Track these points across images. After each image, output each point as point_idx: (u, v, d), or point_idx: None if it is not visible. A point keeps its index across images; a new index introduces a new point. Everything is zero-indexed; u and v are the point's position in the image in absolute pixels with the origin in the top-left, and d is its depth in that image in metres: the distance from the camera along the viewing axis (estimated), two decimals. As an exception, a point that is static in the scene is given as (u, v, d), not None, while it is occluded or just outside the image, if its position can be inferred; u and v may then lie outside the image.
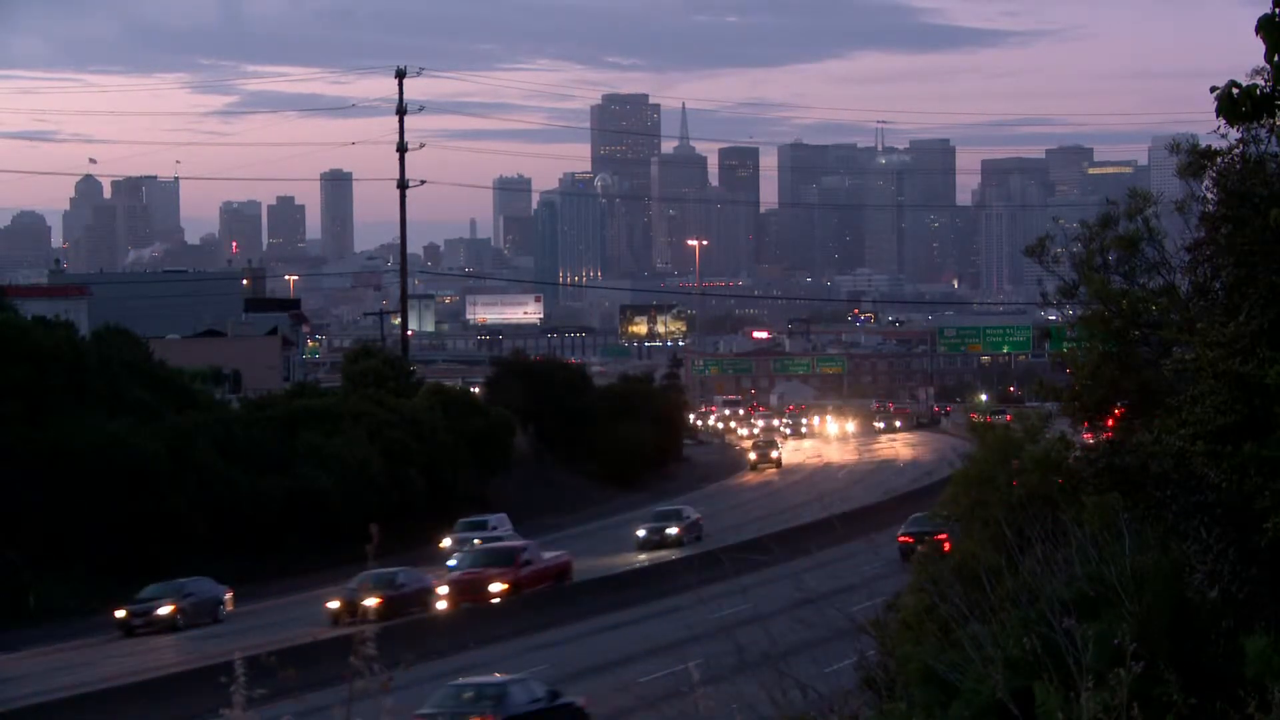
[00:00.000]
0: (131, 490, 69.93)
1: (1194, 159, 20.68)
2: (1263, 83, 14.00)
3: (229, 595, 62.99)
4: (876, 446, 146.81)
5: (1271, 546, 14.87)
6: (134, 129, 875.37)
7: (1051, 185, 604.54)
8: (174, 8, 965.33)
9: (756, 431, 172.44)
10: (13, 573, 65.22)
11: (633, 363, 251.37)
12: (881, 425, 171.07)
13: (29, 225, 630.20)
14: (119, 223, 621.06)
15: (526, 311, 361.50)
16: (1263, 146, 17.06)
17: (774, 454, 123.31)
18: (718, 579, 59.25)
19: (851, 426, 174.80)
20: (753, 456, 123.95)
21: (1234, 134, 16.62)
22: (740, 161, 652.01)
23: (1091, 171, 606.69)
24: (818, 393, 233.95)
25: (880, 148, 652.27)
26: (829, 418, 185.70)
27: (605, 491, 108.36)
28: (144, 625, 59.39)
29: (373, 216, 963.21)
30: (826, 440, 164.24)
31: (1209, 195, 20.14)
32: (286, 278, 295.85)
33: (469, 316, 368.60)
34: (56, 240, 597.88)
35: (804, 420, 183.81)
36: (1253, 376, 15.16)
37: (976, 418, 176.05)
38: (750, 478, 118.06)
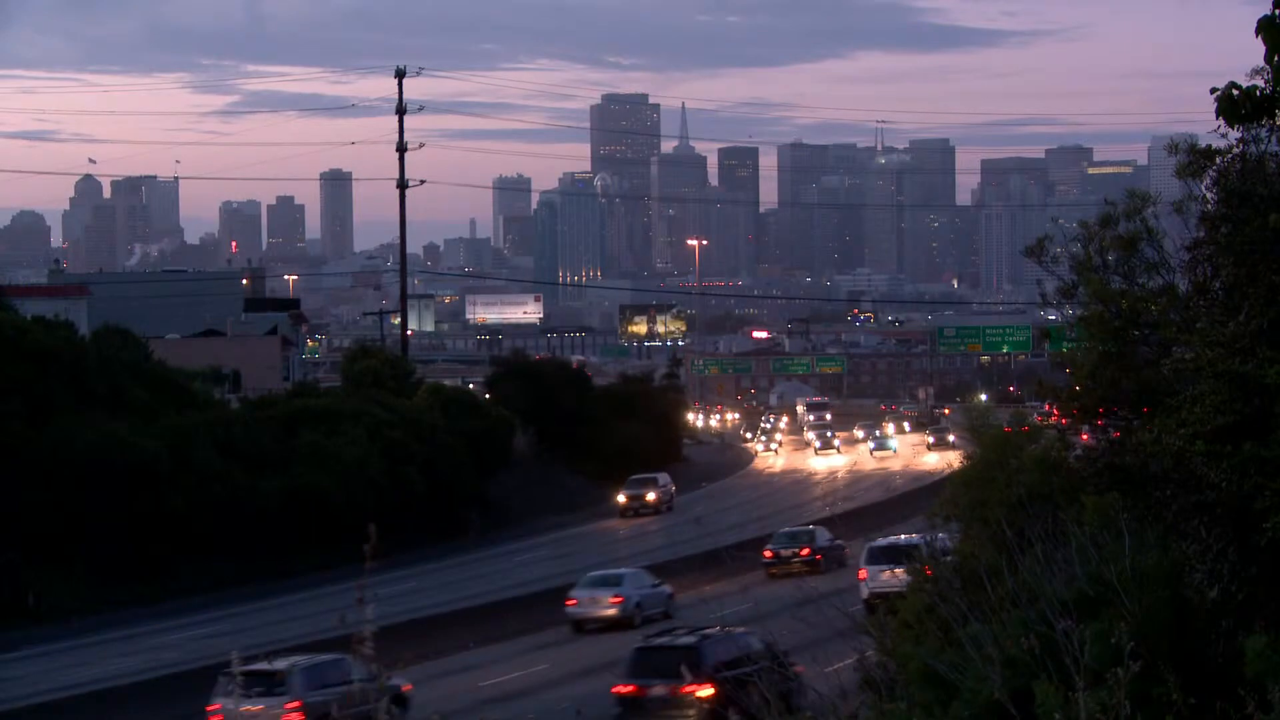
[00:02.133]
0: (131, 490, 69.93)
1: (1194, 159, 20.67)
2: (1262, 84, 14.00)
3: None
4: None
5: (1271, 546, 14.87)
6: (134, 129, 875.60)
7: (1051, 185, 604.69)
8: (176, 7, 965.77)
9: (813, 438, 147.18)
10: (13, 573, 65.22)
11: (632, 362, 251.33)
12: (933, 440, 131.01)
13: (29, 225, 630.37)
14: (119, 222, 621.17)
15: (526, 311, 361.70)
16: (1263, 146, 17.06)
17: (650, 496, 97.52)
18: (718, 578, 59.53)
19: (895, 443, 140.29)
20: (622, 499, 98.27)
21: (1234, 134, 16.62)
22: (740, 161, 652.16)
23: (1091, 171, 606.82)
24: (818, 393, 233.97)
25: (880, 148, 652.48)
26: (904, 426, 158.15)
27: (605, 491, 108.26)
28: None
29: (372, 216, 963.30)
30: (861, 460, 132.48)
31: (1208, 195, 20.14)
32: (286, 277, 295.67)
33: (469, 316, 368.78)
34: (56, 240, 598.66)
35: (879, 431, 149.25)
36: (1253, 376, 15.16)
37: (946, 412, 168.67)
38: (617, 524, 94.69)
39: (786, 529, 69.80)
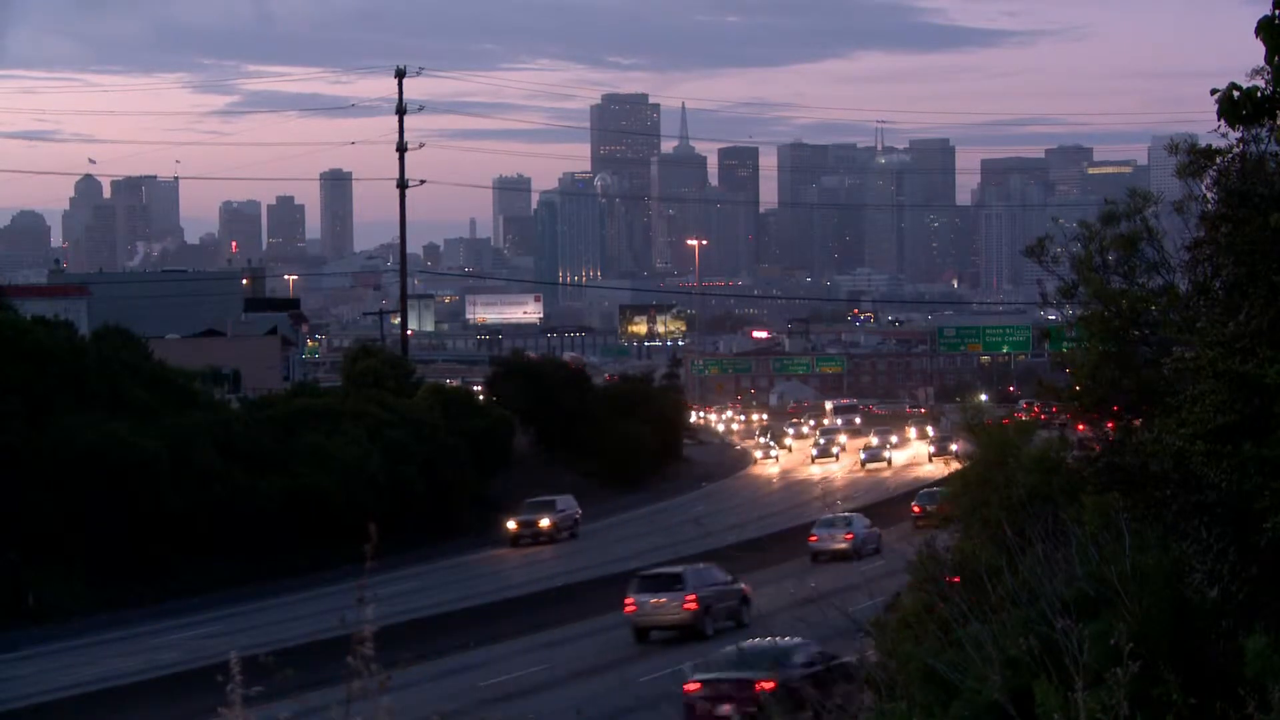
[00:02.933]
0: (131, 490, 69.91)
1: (1194, 158, 20.68)
2: (1263, 84, 13.99)
3: None
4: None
5: (1271, 546, 14.86)
6: (134, 129, 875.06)
7: (1051, 185, 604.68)
8: (177, 8, 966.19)
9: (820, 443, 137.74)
10: (13, 573, 65.22)
11: (632, 362, 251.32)
12: (934, 449, 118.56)
13: (29, 225, 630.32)
14: (119, 222, 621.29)
15: (526, 311, 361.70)
16: (1263, 146, 17.06)
17: (544, 522, 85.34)
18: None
19: (900, 455, 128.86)
20: (511, 526, 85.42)
21: (1234, 133, 16.61)
22: (740, 161, 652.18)
23: (1091, 171, 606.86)
24: (818, 393, 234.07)
25: (880, 148, 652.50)
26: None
27: (605, 491, 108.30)
28: None
29: (372, 216, 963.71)
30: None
31: (1208, 195, 20.15)
32: (286, 277, 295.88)
33: (469, 316, 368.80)
34: (56, 240, 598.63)
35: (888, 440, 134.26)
36: (1253, 376, 15.15)
37: (922, 410, 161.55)
38: (506, 553, 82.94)
39: (925, 490, 79.34)
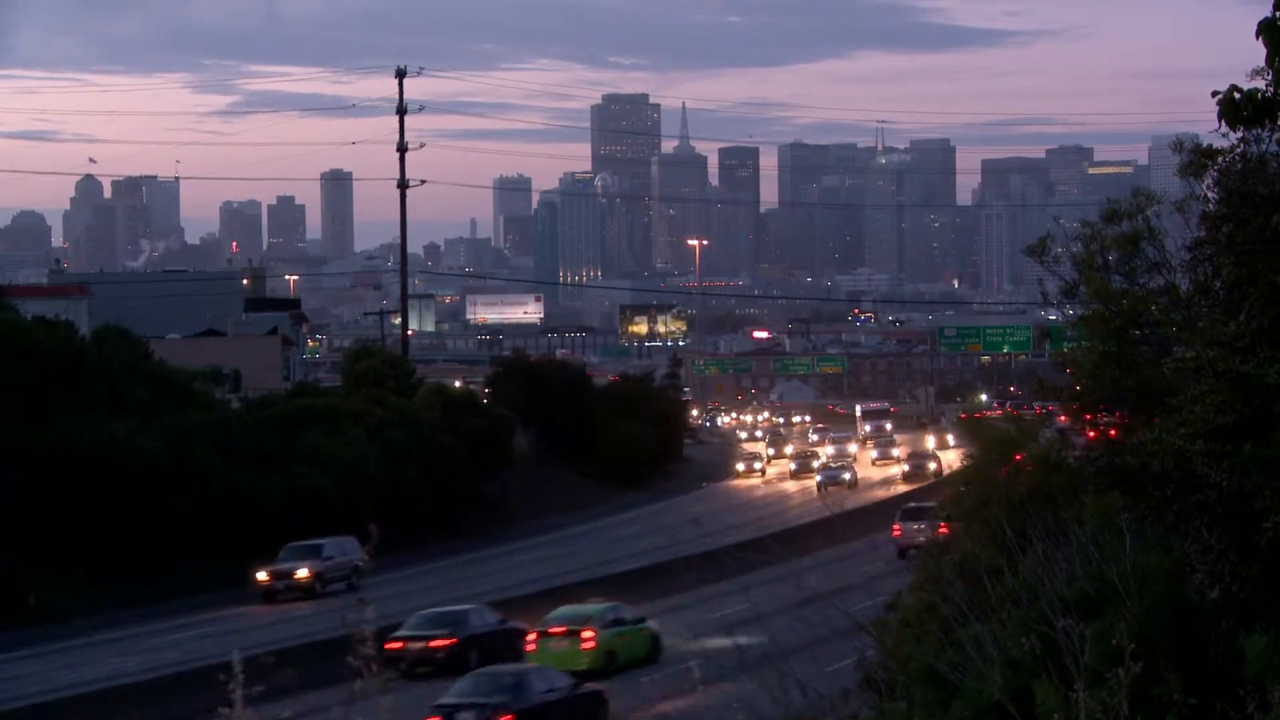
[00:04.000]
0: (132, 490, 69.89)
1: (1195, 158, 20.68)
2: (1264, 85, 13.96)
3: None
4: None
5: (1272, 546, 14.85)
6: (135, 129, 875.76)
7: (1051, 185, 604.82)
8: (180, 9, 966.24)
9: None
10: (13, 573, 65.18)
11: (633, 362, 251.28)
12: (908, 468, 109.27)
13: (29, 225, 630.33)
14: (119, 222, 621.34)
15: (526, 311, 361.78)
16: (1264, 146, 17.06)
17: (300, 573, 66.72)
18: (718, 579, 59.60)
19: (892, 470, 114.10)
20: (263, 577, 66.81)
21: (1235, 134, 16.60)
22: (740, 161, 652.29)
23: (1091, 171, 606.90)
24: (818, 393, 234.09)
25: (880, 147, 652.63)
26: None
27: (605, 491, 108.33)
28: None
29: (373, 216, 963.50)
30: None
31: (1209, 195, 20.15)
32: (286, 277, 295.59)
33: (469, 316, 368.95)
34: (56, 240, 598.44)
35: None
36: (1253, 376, 15.14)
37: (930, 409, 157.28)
38: (255, 610, 65.06)
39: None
